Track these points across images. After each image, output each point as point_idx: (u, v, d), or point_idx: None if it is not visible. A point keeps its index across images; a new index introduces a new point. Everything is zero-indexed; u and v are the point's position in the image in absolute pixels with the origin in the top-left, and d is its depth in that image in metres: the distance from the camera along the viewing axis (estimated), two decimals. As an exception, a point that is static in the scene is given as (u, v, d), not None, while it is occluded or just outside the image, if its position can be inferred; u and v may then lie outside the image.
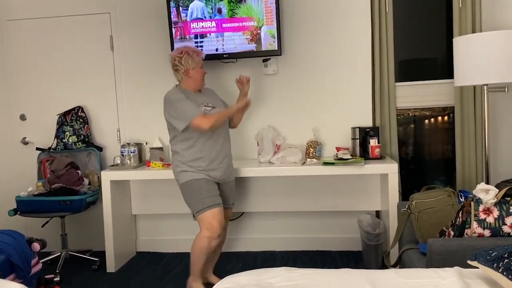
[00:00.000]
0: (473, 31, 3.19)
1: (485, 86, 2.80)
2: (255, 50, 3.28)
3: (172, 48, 3.34)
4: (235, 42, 3.29)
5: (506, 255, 1.40)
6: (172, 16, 3.33)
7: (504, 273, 1.36)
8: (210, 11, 3.28)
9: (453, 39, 2.83)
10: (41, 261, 2.48)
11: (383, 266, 2.93)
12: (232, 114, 2.85)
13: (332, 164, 3.04)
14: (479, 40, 2.64)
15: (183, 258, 3.48)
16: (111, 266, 3.32)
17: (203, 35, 3.32)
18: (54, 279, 2.51)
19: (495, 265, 1.41)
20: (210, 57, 3.34)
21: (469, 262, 1.56)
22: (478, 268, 1.53)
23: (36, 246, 2.40)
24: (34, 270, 2.35)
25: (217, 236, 2.67)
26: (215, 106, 2.81)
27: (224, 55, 3.34)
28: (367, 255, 3.15)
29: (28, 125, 3.79)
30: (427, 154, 3.66)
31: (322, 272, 1.66)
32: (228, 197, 2.91)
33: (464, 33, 3.19)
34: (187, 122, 2.61)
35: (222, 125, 2.79)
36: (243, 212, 3.60)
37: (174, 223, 3.69)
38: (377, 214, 3.48)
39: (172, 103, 2.66)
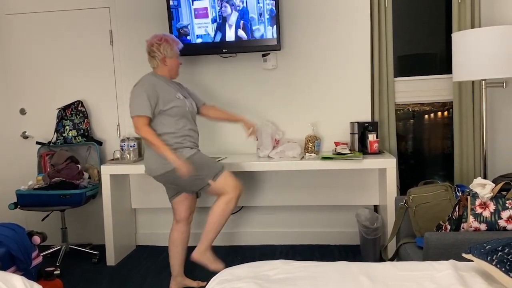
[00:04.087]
0: (472, 26, 3.20)
1: (483, 81, 2.81)
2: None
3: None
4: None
5: (499, 248, 1.42)
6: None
7: (498, 265, 1.38)
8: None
9: (452, 34, 2.83)
10: (41, 254, 2.50)
11: (381, 259, 2.96)
12: (162, 153, 2.60)
13: (331, 158, 3.06)
14: (478, 35, 2.65)
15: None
16: (111, 259, 3.34)
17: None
18: (55, 272, 2.53)
19: (489, 258, 1.43)
20: (209, 52, 3.35)
21: (463, 255, 1.58)
22: (472, 261, 1.54)
23: (37, 239, 2.42)
24: (35, 262, 2.37)
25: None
26: (186, 97, 2.79)
27: (224, 50, 3.35)
28: (365, 249, 3.17)
29: (28, 119, 3.80)
30: (426, 149, 3.68)
31: (318, 264, 1.68)
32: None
33: (463, 29, 3.20)
34: (137, 113, 2.58)
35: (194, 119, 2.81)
36: (242, 206, 3.62)
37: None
38: (375, 208, 3.51)
39: (141, 88, 2.62)
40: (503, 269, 1.36)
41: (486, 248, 1.47)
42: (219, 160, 3.16)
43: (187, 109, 2.72)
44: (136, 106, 2.61)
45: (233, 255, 3.44)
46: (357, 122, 3.26)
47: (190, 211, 2.87)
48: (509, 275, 1.34)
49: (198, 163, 2.65)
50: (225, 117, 3.04)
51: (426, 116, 3.62)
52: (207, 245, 2.67)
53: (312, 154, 3.24)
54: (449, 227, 2.14)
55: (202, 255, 2.68)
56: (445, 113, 3.58)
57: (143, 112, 2.59)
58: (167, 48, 2.70)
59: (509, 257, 1.36)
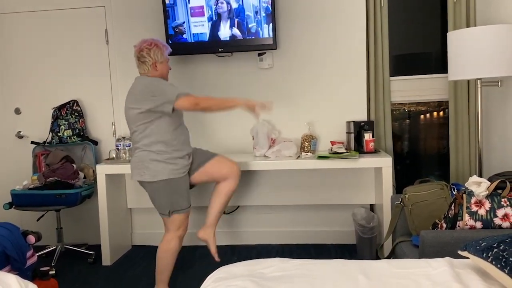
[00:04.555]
0: (467, 26, 3.21)
1: (478, 80, 2.82)
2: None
3: (168, 42, 3.34)
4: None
5: (495, 245, 1.42)
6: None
7: (493, 262, 1.38)
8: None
9: (447, 34, 2.84)
10: (37, 254, 2.48)
11: (377, 258, 2.96)
12: (232, 107, 2.65)
13: (327, 158, 3.06)
14: (473, 34, 2.66)
15: (178, 252, 3.48)
16: (107, 259, 3.33)
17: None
18: (50, 272, 2.51)
19: (484, 254, 1.43)
20: (205, 51, 3.35)
21: (459, 252, 1.58)
22: (468, 258, 1.55)
23: (31, 239, 2.40)
24: (30, 262, 2.36)
25: (184, 236, 2.73)
26: None
27: (220, 49, 3.34)
28: (361, 248, 3.18)
29: (23, 119, 3.78)
30: (422, 149, 3.69)
31: (314, 262, 1.68)
32: (201, 156, 2.81)
33: (459, 28, 3.21)
34: (179, 95, 2.50)
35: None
36: (238, 206, 3.61)
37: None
38: (371, 207, 3.51)
39: (157, 85, 2.55)
40: (499, 265, 1.37)
41: (482, 245, 1.47)
42: None
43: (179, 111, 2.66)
44: (170, 90, 2.51)
45: (230, 254, 3.43)
46: (353, 121, 3.27)
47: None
48: (504, 272, 1.34)
49: (168, 190, 2.60)
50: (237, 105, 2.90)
51: (422, 116, 3.64)
52: (161, 284, 2.71)
53: (308, 153, 3.24)
54: (445, 225, 2.15)
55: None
56: (441, 113, 3.59)
57: (182, 92, 2.52)
58: (157, 53, 2.63)
59: (504, 253, 1.37)
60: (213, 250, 2.80)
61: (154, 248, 3.62)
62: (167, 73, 2.73)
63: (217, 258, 2.80)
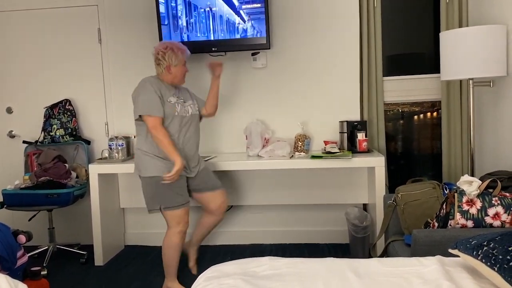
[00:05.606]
0: (460, 26, 3.23)
1: (470, 81, 2.84)
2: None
3: (161, 40, 3.33)
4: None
5: (485, 243, 1.43)
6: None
7: (483, 260, 1.39)
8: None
9: (440, 34, 2.86)
10: (28, 254, 2.46)
11: (370, 257, 2.96)
12: (172, 158, 2.62)
13: (320, 157, 3.06)
14: (465, 34, 2.67)
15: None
16: (99, 259, 3.31)
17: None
18: (42, 272, 2.49)
19: (474, 253, 1.44)
20: (198, 50, 3.34)
21: (450, 250, 1.59)
22: (459, 256, 1.55)
23: (22, 238, 2.38)
24: (20, 262, 2.34)
25: (186, 231, 2.77)
26: (185, 100, 2.82)
27: (213, 49, 3.34)
28: (354, 247, 3.18)
29: (14, 118, 3.75)
30: (415, 150, 3.70)
31: (306, 261, 1.68)
32: (208, 182, 2.93)
33: (451, 28, 3.23)
34: (145, 112, 2.62)
35: (194, 123, 2.84)
36: (232, 206, 3.61)
37: (163, 217, 3.68)
38: (364, 207, 3.52)
39: (150, 86, 2.67)
40: (488, 263, 1.37)
41: (472, 243, 1.48)
42: (208, 160, 3.15)
43: (176, 113, 2.71)
44: (149, 104, 2.63)
45: (223, 254, 3.42)
46: (346, 121, 3.27)
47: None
48: (494, 270, 1.35)
49: (158, 187, 2.66)
50: (210, 96, 3.03)
51: (416, 116, 3.65)
52: (169, 276, 2.80)
53: (302, 153, 3.24)
54: (436, 224, 2.15)
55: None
56: (434, 113, 3.61)
57: (157, 113, 2.62)
58: (171, 56, 2.71)
59: (494, 251, 1.37)
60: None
61: (147, 248, 3.63)
62: (181, 75, 2.80)
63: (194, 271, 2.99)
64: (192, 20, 3.32)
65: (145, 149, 2.70)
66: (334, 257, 3.19)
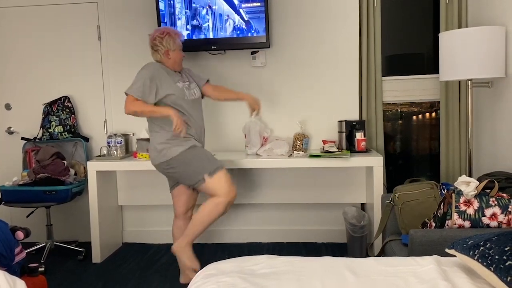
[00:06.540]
0: (459, 27, 3.23)
1: (469, 81, 2.84)
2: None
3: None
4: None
5: (481, 243, 1.44)
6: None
7: (480, 260, 1.40)
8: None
9: (439, 34, 2.86)
10: (26, 251, 2.46)
11: (367, 257, 2.97)
12: (160, 115, 2.62)
13: (319, 156, 3.06)
14: (464, 35, 2.68)
15: (169, 249, 3.48)
16: (97, 256, 3.31)
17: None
18: (39, 269, 2.49)
19: (471, 253, 1.45)
20: (198, 48, 3.34)
21: (446, 250, 1.59)
22: (455, 256, 1.56)
23: (20, 235, 2.38)
24: (18, 258, 2.33)
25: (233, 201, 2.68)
26: (191, 82, 2.83)
27: (213, 47, 3.34)
28: (352, 247, 3.19)
29: (13, 115, 3.75)
30: (414, 150, 3.71)
31: (303, 259, 1.69)
32: None
33: (450, 29, 3.23)
34: (130, 93, 2.60)
35: (199, 105, 2.83)
36: (230, 204, 3.61)
37: (161, 214, 3.69)
38: (362, 206, 3.53)
39: (145, 72, 2.65)
40: (485, 263, 1.38)
41: (469, 243, 1.49)
42: None
43: (185, 97, 2.71)
44: (133, 85, 2.62)
45: (220, 252, 3.43)
46: (345, 121, 3.28)
47: (187, 206, 2.88)
48: (490, 270, 1.35)
49: (192, 157, 2.64)
50: (228, 96, 3.00)
51: (414, 117, 3.66)
52: (188, 240, 2.69)
53: (300, 152, 3.24)
54: (434, 224, 2.16)
55: (181, 250, 2.70)
56: (433, 114, 3.61)
57: (135, 93, 2.59)
58: (169, 41, 2.71)
59: (490, 251, 1.38)
60: (188, 265, 2.71)
61: (145, 246, 3.63)
62: (180, 60, 2.80)
63: (196, 267, 2.72)
64: (191, 19, 3.32)
65: (161, 141, 2.67)
66: (331, 256, 3.23)
